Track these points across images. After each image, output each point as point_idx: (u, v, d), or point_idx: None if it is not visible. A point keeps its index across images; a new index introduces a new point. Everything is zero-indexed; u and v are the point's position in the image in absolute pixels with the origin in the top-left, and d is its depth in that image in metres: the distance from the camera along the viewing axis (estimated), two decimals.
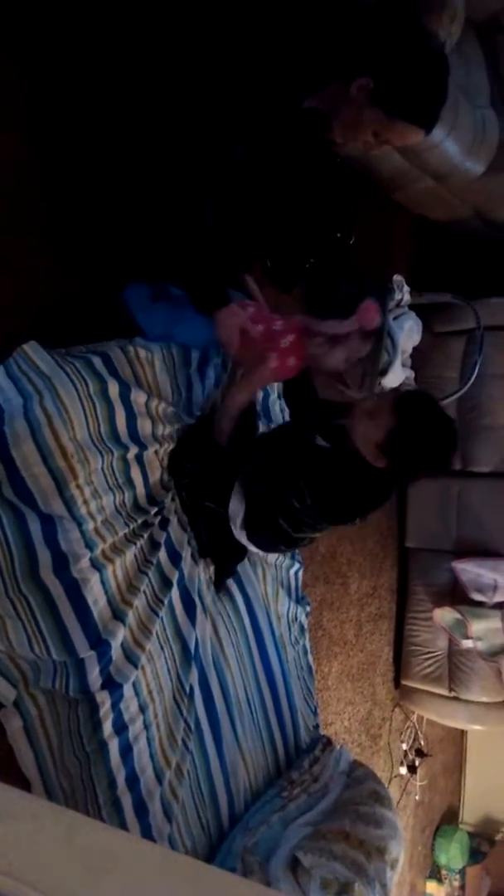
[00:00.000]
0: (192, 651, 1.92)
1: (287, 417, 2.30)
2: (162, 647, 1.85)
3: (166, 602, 1.84)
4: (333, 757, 2.35)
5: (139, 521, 1.80)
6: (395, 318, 2.93)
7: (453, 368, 3.44)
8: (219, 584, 2.10)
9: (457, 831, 4.59)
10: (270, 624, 2.25)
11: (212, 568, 2.07)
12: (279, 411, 2.30)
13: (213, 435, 1.92)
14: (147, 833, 1.71)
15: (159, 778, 1.79)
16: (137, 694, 1.74)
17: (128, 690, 1.70)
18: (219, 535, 1.97)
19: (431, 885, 4.47)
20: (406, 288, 2.97)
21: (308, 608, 2.55)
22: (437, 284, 3.31)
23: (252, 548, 1.94)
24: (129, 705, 1.72)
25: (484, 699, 3.59)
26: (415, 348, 3.10)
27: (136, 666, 1.71)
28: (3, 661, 1.63)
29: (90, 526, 1.63)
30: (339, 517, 1.85)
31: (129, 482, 1.78)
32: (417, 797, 4.02)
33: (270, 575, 2.32)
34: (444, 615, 3.49)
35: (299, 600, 2.48)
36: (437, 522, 3.58)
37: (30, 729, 1.67)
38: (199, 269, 1.76)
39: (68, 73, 1.84)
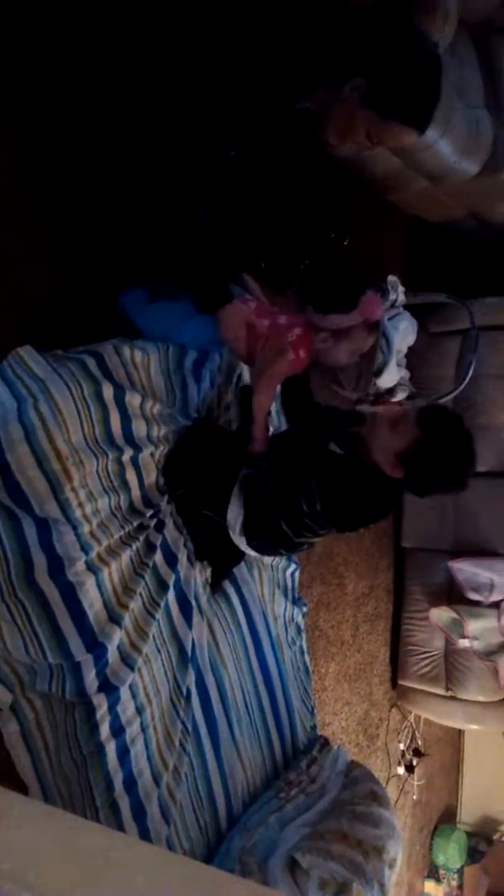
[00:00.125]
0: (189, 653, 1.92)
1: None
2: (158, 650, 1.85)
3: (162, 604, 1.84)
4: (331, 757, 2.35)
5: (135, 524, 1.79)
6: (389, 319, 2.93)
7: (448, 368, 3.44)
8: (215, 586, 2.10)
9: (455, 831, 4.59)
10: (267, 625, 2.25)
11: (208, 570, 2.07)
12: (275, 414, 2.30)
13: (249, 447, 1.91)
14: (145, 835, 1.71)
15: (157, 780, 1.79)
16: (134, 696, 1.74)
17: (124, 693, 1.70)
18: (216, 540, 1.97)
19: (430, 885, 4.47)
20: (401, 288, 2.98)
21: (305, 609, 2.55)
22: (432, 284, 3.32)
23: (251, 553, 1.94)
24: (126, 708, 1.71)
25: (481, 698, 3.59)
26: (410, 348, 3.11)
27: (132, 669, 1.71)
28: None
29: (86, 529, 1.62)
30: (346, 524, 1.85)
31: (125, 485, 1.78)
32: (415, 797, 4.02)
33: (267, 576, 2.32)
34: (441, 615, 3.49)
35: (296, 601, 2.48)
36: (433, 522, 3.58)
37: (26, 733, 1.67)
38: (199, 268, 1.75)
39: (63, 73, 1.84)
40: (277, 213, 1.85)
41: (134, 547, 1.78)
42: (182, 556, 1.92)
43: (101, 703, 1.64)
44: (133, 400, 1.77)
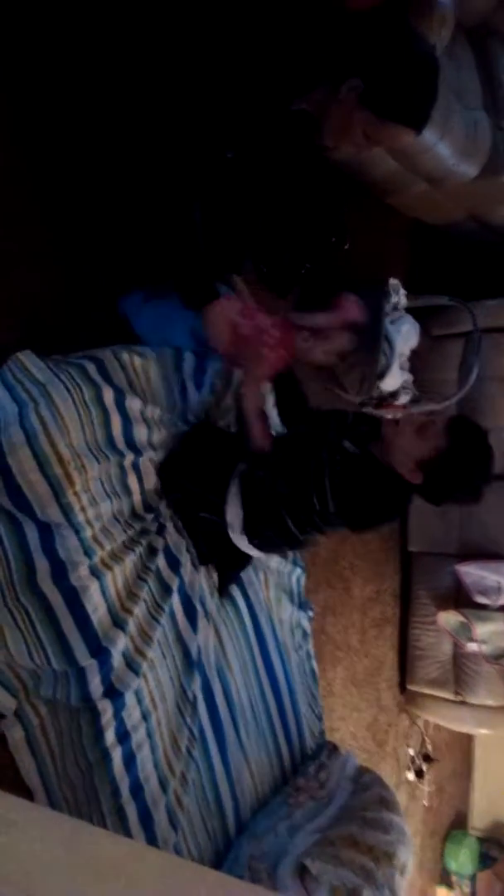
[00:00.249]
0: (195, 658, 1.91)
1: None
2: (164, 655, 1.85)
3: (167, 609, 1.84)
4: (339, 763, 2.34)
5: (137, 528, 1.79)
6: (392, 322, 2.92)
7: (451, 371, 3.44)
8: (222, 591, 2.09)
9: (466, 837, 4.56)
10: (273, 629, 2.24)
11: (215, 574, 2.06)
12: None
13: (252, 447, 1.91)
14: (152, 842, 1.70)
15: (164, 787, 1.78)
16: (140, 702, 1.73)
17: (130, 698, 1.69)
18: (217, 543, 1.96)
19: (442, 892, 4.44)
20: (402, 291, 2.97)
21: (311, 613, 2.54)
22: (433, 287, 3.31)
23: (253, 551, 1.93)
24: (132, 713, 1.71)
25: (490, 703, 3.57)
26: (413, 351, 3.10)
27: (137, 674, 1.71)
28: (3, 671, 1.63)
29: (88, 533, 1.62)
30: (359, 523, 1.85)
31: (126, 489, 1.78)
32: (426, 803, 4.00)
33: (273, 580, 2.31)
34: (449, 618, 3.48)
35: (302, 605, 2.47)
36: (440, 526, 3.57)
37: (31, 738, 1.66)
38: (188, 267, 1.76)
39: (60, 74, 1.85)
40: (276, 215, 1.85)
41: (137, 551, 1.77)
42: (185, 560, 1.92)
43: (106, 709, 1.63)
44: (133, 404, 1.77)
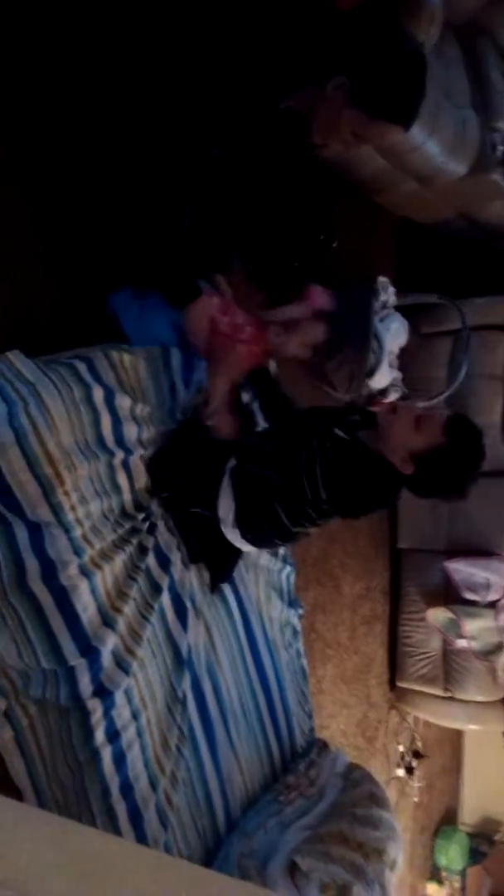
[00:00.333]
0: (185, 657, 1.91)
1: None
2: (154, 654, 1.85)
3: (157, 608, 1.83)
4: (329, 760, 2.34)
5: (127, 527, 1.79)
6: (381, 320, 2.93)
7: (440, 368, 3.45)
8: (214, 588, 2.09)
9: (456, 832, 4.58)
10: (263, 627, 2.25)
11: (206, 573, 2.06)
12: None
13: (209, 432, 1.92)
14: (142, 841, 1.70)
15: (154, 785, 1.78)
16: (129, 701, 1.73)
17: (120, 698, 1.69)
18: (209, 539, 1.96)
19: (432, 887, 4.46)
20: (391, 289, 2.98)
21: (300, 611, 2.55)
22: (422, 285, 3.32)
23: (245, 546, 1.94)
24: (122, 713, 1.70)
25: (479, 698, 3.59)
26: (402, 349, 3.11)
27: (127, 673, 1.70)
28: None
29: (78, 532, 1.62)
30: (351, 509, 1.85)
31: (116, 488, 1.77)
32: (416, 799, 4.01)
33: (262, 578, 2.32)
34: (438, 615, 3.49)
35: (291, 603, 2.48)
36: (429, 523, 3.58)
37: (21, 739, 1.66)
38: (172, 264, 1.76)
39: (50, 75, 1.84)
40: (264, 213, 1.85)
41: (127, 550, 1.77)
42: (176, 559, 1.92)
43: (95, 708, 1.63)
44: (123, 403, 1.77)
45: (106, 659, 1.66)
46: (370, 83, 1.56)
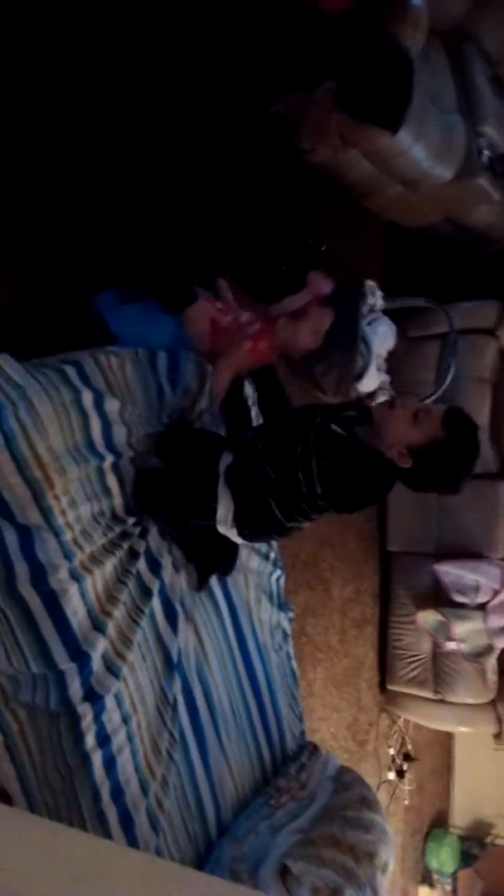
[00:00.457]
0: (175, 661, 1.91)
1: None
2: (144, 658, 1.84)
3: (147, 612, 1.83)
4: (320, 763, 2.34)
5: (118, 531, 1.79)
6: (368, 323, 2.94)
7: (428, 372, 3.46)
8: (203, 585, 2.08)
9: (447, 835, 4.58)
10: (254, 630, 2.25)
11: (195, 574, 2.06)
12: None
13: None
14: (133, 845, 1.69)
15: (144, 790, 1.77)
16: (120, 705, 1.73)
17: (110, 702, 1.69)
18: (207, 541, 1.96)
19: (423, 891, 4.46)
20: (379, 293, 2.99)
21: (290, 614, 2.55)
22: (410, 289, 3.34)
23: (242, 541, 1.93)
24: (112, 717, 1.70)
25: (469, 701, 3.60)
26: (390, 352, 3.12)
27: (117, 677, 1.70)
28: None
29: (68, 536, 1.61)
30: (346, 504, 1.85)
31: (106, 491, 1.77)
32: (407, 802, 4.01)
33: (252, 582, 2.32)
34: (428, 618, 3.50)
35: (282, 606, 2.48)
36: (418, 525, 3.59)
37: (10, 744, 1.65)
38: (165, 269, 1.76)
39: (35, 73, 1.84)
40: (253, 217, 1.86)
41: (117, 554, 1.77)
42: (167, 563, 1.91)
43: (86, 713, 1.63)
44: (112, 406, 1.77)
45: (96, 663, 1.65)
46: (357, 87, 1.57)
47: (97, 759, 1.65)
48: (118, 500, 1.81)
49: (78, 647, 1.61)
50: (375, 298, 2.98)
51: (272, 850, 1.97)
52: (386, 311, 3.05)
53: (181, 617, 1.95)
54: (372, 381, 2.94)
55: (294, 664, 2.52)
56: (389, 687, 3.75)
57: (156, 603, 1.88)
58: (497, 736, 3.83)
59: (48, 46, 1.88)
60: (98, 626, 1.67)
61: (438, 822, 4.66)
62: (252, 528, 1.87)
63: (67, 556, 1.60)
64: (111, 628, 1.71)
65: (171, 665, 1.90)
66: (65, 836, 0.99)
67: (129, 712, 1.75)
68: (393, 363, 3.22)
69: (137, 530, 1.86)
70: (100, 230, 1.88)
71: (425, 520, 3.56)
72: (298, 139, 1.73)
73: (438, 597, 3.53)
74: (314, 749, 2.42)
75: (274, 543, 2.42)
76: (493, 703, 3.66)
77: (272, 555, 2.41)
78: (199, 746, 1.98)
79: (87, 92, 1.92)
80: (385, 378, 3.12)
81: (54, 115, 1.88)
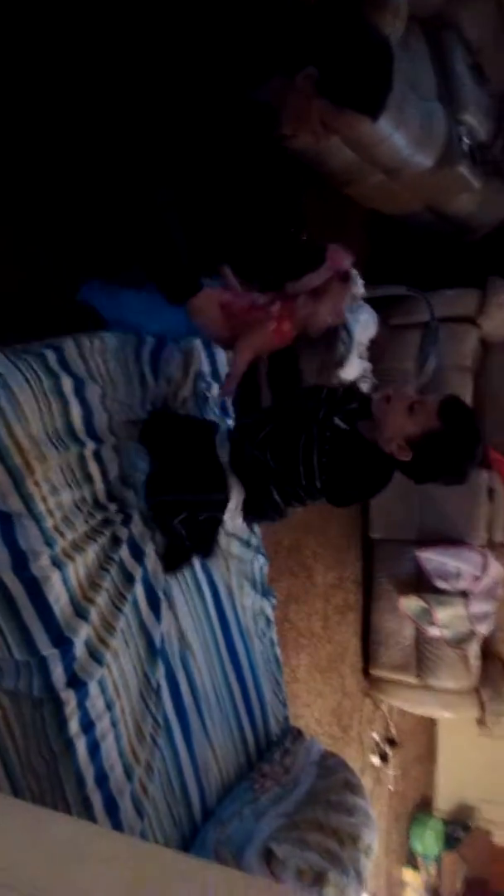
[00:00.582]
0: (158, 647, 1.91)
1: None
2: (127, 644, 1.85)
3: (130, 599, 1.83)
4: (304, 748, 2.36)
5: (100, 518, 1.78)
6: (350, 312, 2.95)
7: (409, 360, 3.48)
8: (178, 566, 2.08)
9: (431, 819, 4.64)
10: (237, 616, 2.25)
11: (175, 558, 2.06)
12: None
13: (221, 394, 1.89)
14: (118, 830, 1.70)
15: (129, 775, 1.78)
16: (103, 691, 1.73)
17: (93, 688, 1.69)
18: (195, 526, 1.96)
19: (408, 873, 4.51)
20: (360, 281, 2.99)
21: (273, 601, 2.56)
22: (391, 278, 3.35)
23: (241, 522, 1.94)
24: (96, 703, 1.70)
25: (452, 686, 3.64)
26: (371, 340, 3.13)
27: (100, 663, 1.70)
28: None
29: (49, 523, 1.61)
30: (342, 499, 1.86)
31: (88, 478, 1.77)
32: (391, 786, 4.06)
33: (235, 568, 2.32)
34: (410, 604, 3.53)
35: (265, 593, 2.49)
36: (400, 513, 3.62)
37: None
38: (163, 258, 1.73)
39: (14, 55, 1.83)
40: (232, 205, 1.85)
41: (100, 541, 1.77)
42: (150, 550, 1.91)
43: (69, 699, 1.63)
44: (93, 392, 1.76)
45: (79, 650, 1.66)
46: (338, 74, 1.57)
47: (81, 744, 1.66)
48: (100, 487, 1.81)
49: (60, 634, 1.61)
50: (357, 287, 2.98)
51: (257, 834, 1.98)
52: (367, 300, 3.06)
53: (164, 604, 1.95)
54: (353, 368, 2.95)
55: (277, 650, 2.53)
56: (373, 672, 3.78)
57: (139, 589, 1.88)
58: (480, 721, 3.88)
59: (27, 31, 1.86)
60: (81, 613, 1.67)
61: (422, 807, 4.72)
62: (258, 514, 1.88)
63: (49, 543, 1.60)
64: (94, 615, 1.71)
65: (154, 651, 1.90)
66: (50, 821, 1.00)
67: (112, 698, 1.75)
68: (374, 351, 3.23)
69: (120, 517, 1.86)
70: (89, 217, 1.86)
71: (407, 507, 3.59)
72: (279, 126, 1.72)
73: (421, 583, 3.56)
74: (298, 734, 2.43)
75: (257, 530, 2.43)
76: (475, 688, 3.70)
77: (254, 541, 2.41)
78: (183, 732, 1.99)
79: (69, 78, 1.90)
80: (367, 366, 3.13)
81: (37, 101, 1.86)
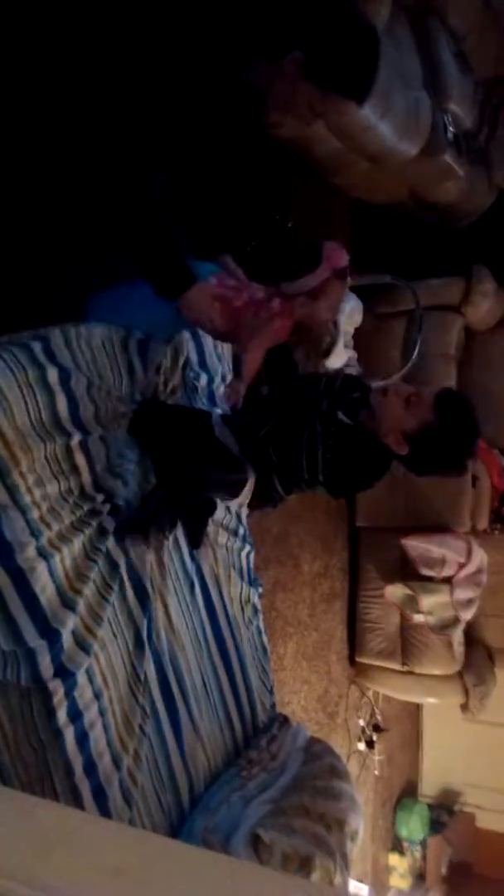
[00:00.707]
0: (145, 637, 1.92)
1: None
2: (115, 634, 1.85)
3: (117, 588, 1.84)
4: (291, 734, 2.38)
5: (86, 509, 1.78)
6: None
7: (395, 348, 3.50)
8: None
9: (416, 804, 4.69)
10: (224, 605, 2.27)
11: (165, 554, 2.06)
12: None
13: (226, 401, 1.91)
14: (107, 818, 1.71)
15: (117, 764, 1.79)
16: (91, 681, 1.74)
17: (81, 678, 1.69)
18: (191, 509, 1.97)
19: (394, 858, 4.56)
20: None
21: (260, 590, 2.57)
22: (377, 266, 3.35)
23: (234, 511, 1.94)
24: (84, 693, 1.71)
25: (436, 672, 3.67)
26: (357, 329, 3.14)
27: (88, 653, 1.71)
28: None
29: (35, 514, 1.61)
30: (343, 491, 1.87)
31: (74, 469, 1.77)
32: (377, 772, 4.09)
33: (222, 557, 2.33)
34: (396, 591, 3.56)
35: (252, 582, 2.50)
36: (386, 501, 3.64)
37: None
38: (158, 254, 1.72)
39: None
40: (219, 192, 1.85)
41: (86, 532, 1.77)
42: (137, 539, 1.92)
43: (57, 689, 1.63)
44: (79, 383, 1.76)
45: (66, 640, 1.66)
46: (324, 57, 1.57)
47: (69, 734, 1.66)
48: (86, 478, 1.80)
49: (47, 625, 1.61)
50: (347, 259, 2.98)
51: (244, 821, 1.99)
52: (353, 289, 3.07)
53: (151, 593, 1.96)
54: (339, 357, 2.96)
55: (265, 638, 2.54)
56: (359, 659, 3.81)
57: (126, 579, 1.88)
58: (464, 706, 3.92)
59: (22, 29, 1.84)
60: (68, 604, 1.67)
61: (408, 792, 4.76)
62: (261, 499, 1.88)
63: (34, 534, 1.60)
64: (81, 606, 1.71)
65: (141, 641, 1.91)
66: (36, 807, 1.00)
67: (100, 688, 1.76)
68: (360, 340, 3.24)
69: (107, 508, 1.85)
70: (75, 204, 1.84)
71: (393, 495, 3.61)
72: (266, 113, 1.72)
73: (406, 570, 3.58)
74: (285, 720, 2.45)
75: (244, 520, 2.44)
76: (459, 674, 3.74)
77: (241, 530, 2.42)
78: (170, 720, 2.00)
79: (58, 66, 1.88)
80: (352, 354, 3.14)
81: (28, 92, 1.84)
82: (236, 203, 1.94)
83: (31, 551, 1.59)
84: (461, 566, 3.44)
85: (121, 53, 1.69)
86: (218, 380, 2.31)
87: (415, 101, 3.05)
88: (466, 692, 3.78)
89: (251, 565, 2.53)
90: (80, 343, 1.80)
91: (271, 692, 2.49)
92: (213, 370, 2.30)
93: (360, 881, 3.76)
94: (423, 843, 4.63)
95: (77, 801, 1.66)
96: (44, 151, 1.87)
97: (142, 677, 1.90)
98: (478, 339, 3.80)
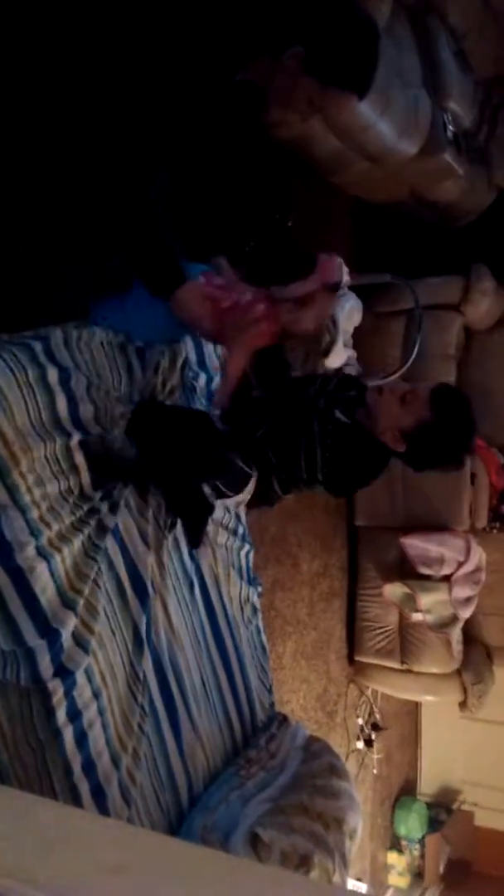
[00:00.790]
0: (144, 636, 1.92)
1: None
2: (113, 633, 1.85)
3: (116, 587, 1.84)
4: (290, 733, 2.38)
5: (86, 508, 1.78)
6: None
7: (394, 347, 3.50)
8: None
9: (415, 802, 4.70)
10: (223, 604, 2.26)
11: (165, 555, 2.06)
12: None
13: (213, 405, 1.90)
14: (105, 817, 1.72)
15: (116, 763, 1.79)
16: (90, 680, 1.74)
17: (80, 677, 1.70)
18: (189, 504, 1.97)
19: (392, 856, 4.57)
20: (345, 269, 3.00)
21: (259, 589, 2.57)
22: (376, 266, 3.35)
23: (242, 505, 1.94)
24: (83, 692, 1.71)
25: (435, 670, 3.68)
26: (356, 328, 3.14)
27: (87, 651, 1.71)
28: None
29: (35, 514, 1.61)
30: (342, 490, 1.88)
31: (74, 469, 1.77)
32: (375, 770, 4.10)
33: (221, 557, 2.33)
34: (394, 590, 3.56)
35: (251, 581, 2.50)
36: (385, 500, 3.64)
37: None
38: (150, 252, 1.72)
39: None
40: (218, 191, 1.85)
41: (86, 531, 1.77)
42: (135, 536, 1.92)
43: (56, 689, 1.63)
44: (79, 383, 1.76)
45: (66, 640, 1.66)
46: (324, 52, 1.58)
47: (68, 733, 1.66)
48: (86, 478, 1.80)
49: (47, 625, 1.61)
50: (342, 275, 2.98)
51: (243, 820, 2.00)
52: (352, 288, 3.07)
53: (151, 593, 1.96)
54: (339, 356, 2.96)
55: (264, 637, 2.54)
56: (357, 658, 3.81)
57: (125, 578, 1.88)
58: (462, 704, 3.93)
59: (22, 27, 1.84)
60: (68, 604, 1.67)
61: (406, 790, 4.77)
62: (260, 497, 1.89)
63: (34, 534, 1.60)
64: (81, 605, 1.71)
65: (140, 640, 1.91)
66: (34, 805, 1.00)
67: (99, 687, 1.76)
68: (359, 339, 3.24)
69: (106, 506, 1.86)
70: (75, 207, 1.85)
71: (392, 494, 3.61)
72: (266, 112, 1.72)
73: (404, 569, 3.59)
74: (284, 719, 2.45)
75: (243, 519, 2.44)
76: (458, 672, 3.74)
77: (241, 530, 2.42)
78: (169, 719, 2.00)
79: (57, 66, 1.89)
80: (352, 354, 3.14)
81: (27, 91, 1.85)
82: (236, 202, 1.94)
83: (30, 551, 1.59)
84: (460, 565, 3.45)
85: (121, 54, 1.69)
86: (217, 380, 2.31)
87: (414, 99, 3.05)
88: (465, 690, 3.79)
89: (250, 564, 2.53)
90: (80, 343, 1.80)
91: (270, 691, 2.49)
92: (213, 370, 2.30)
93: (359, 879, 3.77)
94: (422, 842, 4.64)
95: (76, 801, 1.67)
96: (44, 152, 1.87)
97: (141, 676, 1.90)
98: (477, 338, 3.81)
